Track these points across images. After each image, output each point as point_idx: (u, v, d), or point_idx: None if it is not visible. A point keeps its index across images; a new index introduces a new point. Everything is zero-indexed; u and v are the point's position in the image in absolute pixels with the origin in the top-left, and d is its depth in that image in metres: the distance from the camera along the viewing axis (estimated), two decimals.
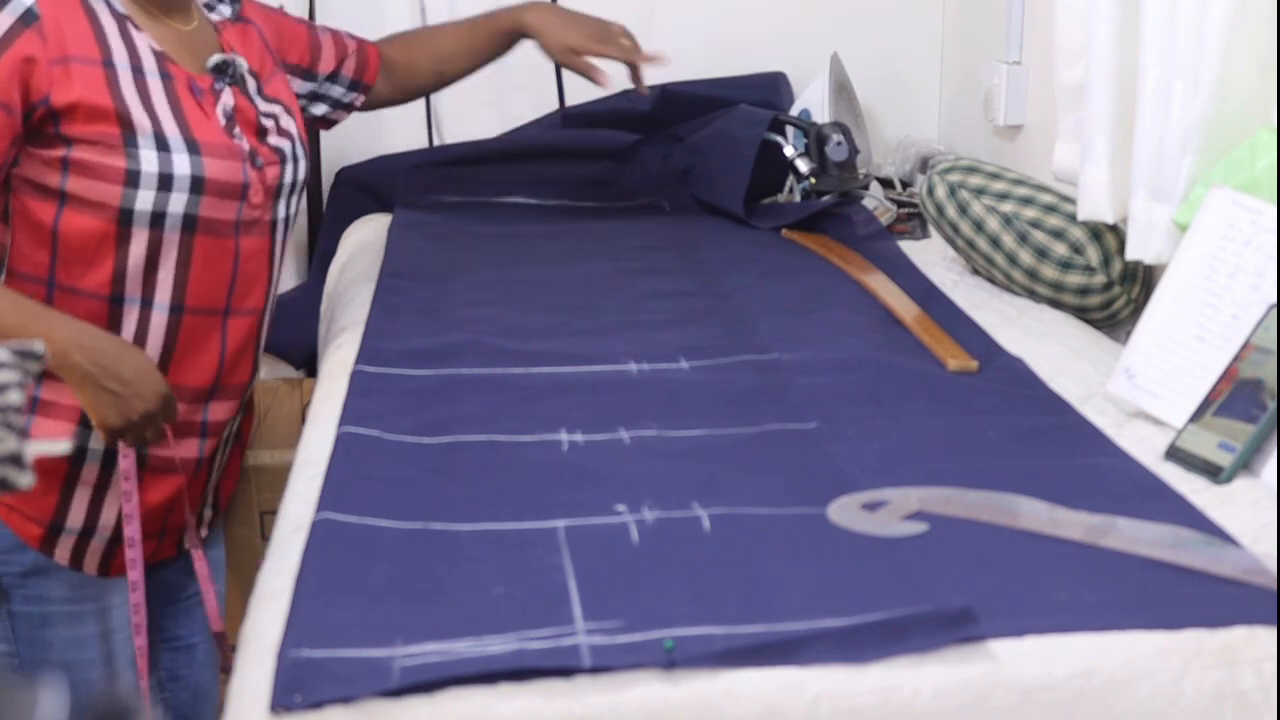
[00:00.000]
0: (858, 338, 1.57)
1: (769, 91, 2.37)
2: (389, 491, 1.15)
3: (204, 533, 1.69)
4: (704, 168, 2.23)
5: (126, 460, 1.49)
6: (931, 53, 2.46)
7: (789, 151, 2.14)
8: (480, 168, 2.27)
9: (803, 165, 2.12)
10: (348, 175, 2.35)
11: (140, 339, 1.51)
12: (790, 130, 2.17)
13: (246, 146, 1.53)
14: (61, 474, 1.53)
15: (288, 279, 2.33)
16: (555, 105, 2.39)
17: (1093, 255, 1.63)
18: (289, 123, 1.62)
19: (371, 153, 2.37)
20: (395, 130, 2.37)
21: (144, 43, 1.48)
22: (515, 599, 0.97)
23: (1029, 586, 1.00)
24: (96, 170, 1.43)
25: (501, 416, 1.32)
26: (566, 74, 2.39)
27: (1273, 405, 1.18)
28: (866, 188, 2.19)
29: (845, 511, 1.11)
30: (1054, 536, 1.07)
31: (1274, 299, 1.23)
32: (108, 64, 1.44)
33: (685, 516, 1.10)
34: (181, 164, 1.46)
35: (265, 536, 2.16)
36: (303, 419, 1.53)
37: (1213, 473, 1.19)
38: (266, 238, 1.58)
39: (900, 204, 2.17)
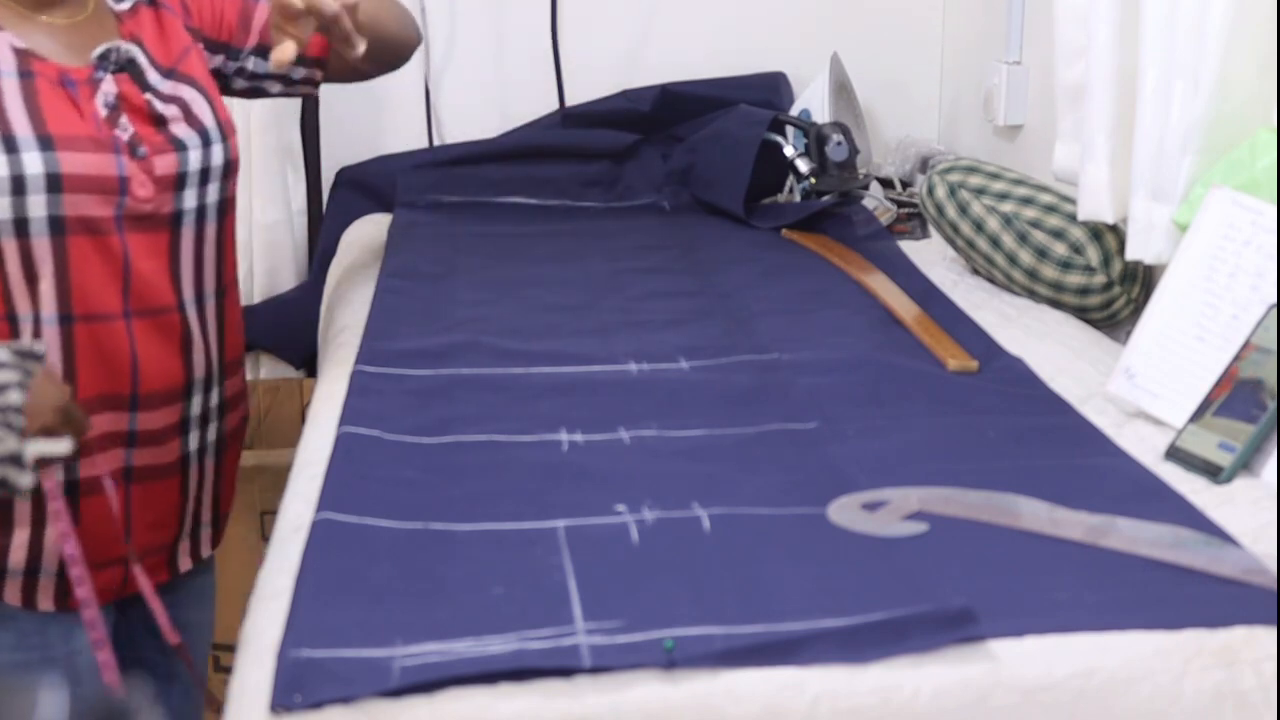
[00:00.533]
0: (858, 338, 1.58)
1: (769, 91, 2.37)
2: (389, 491, 1.15)
3: (205, 551, 1.57)
4: (704, 168, 2.23)
5: (49, 480, 1.33)
6: (931, 53, 2.46)
7: (789, 151, 2.14)
8: (480, 168, 2.27)
9: (803, 165, 2.12)
10: (348, 175, 2.35)
11: None
12: (790, 130, 2.17)
13: (126, 136, 1.40)
14: None
15: (287, 279, 2.33)
16: (555, 105, 2.40)
17: (1093, 255, 1.63)
18: (202, 108, 1.49)
19: (371, 153, 2.37)
20: (395, 130, 2.37)
21: (3, 43, 1.38)
22: (515, 599, 0.97)
23: (1029, 586, 1.00)
24: None
25: (501, 416, 1.32)
26: (566, 74, 2.39)
27: (1273, 405, 1.18)
28: (866, 188, 2.20)
29: (845, 511, 1.11)
30: (1054, 536, 1.07)
31: (1274, 299, 1.23)
32: None
33: (685, 516, 1.10)
34: (34, 163, 1.34)
35: (265, 536, 2.16)
36: (303, 419, 1.52)
37: (1213, 473, 1.19)
38: (165, 231, 1.43)
39: (900, 204, 2.17)
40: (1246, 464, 1.19)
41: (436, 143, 2.39)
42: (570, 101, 2.39)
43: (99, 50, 1.45)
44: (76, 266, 1.37)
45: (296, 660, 0.89)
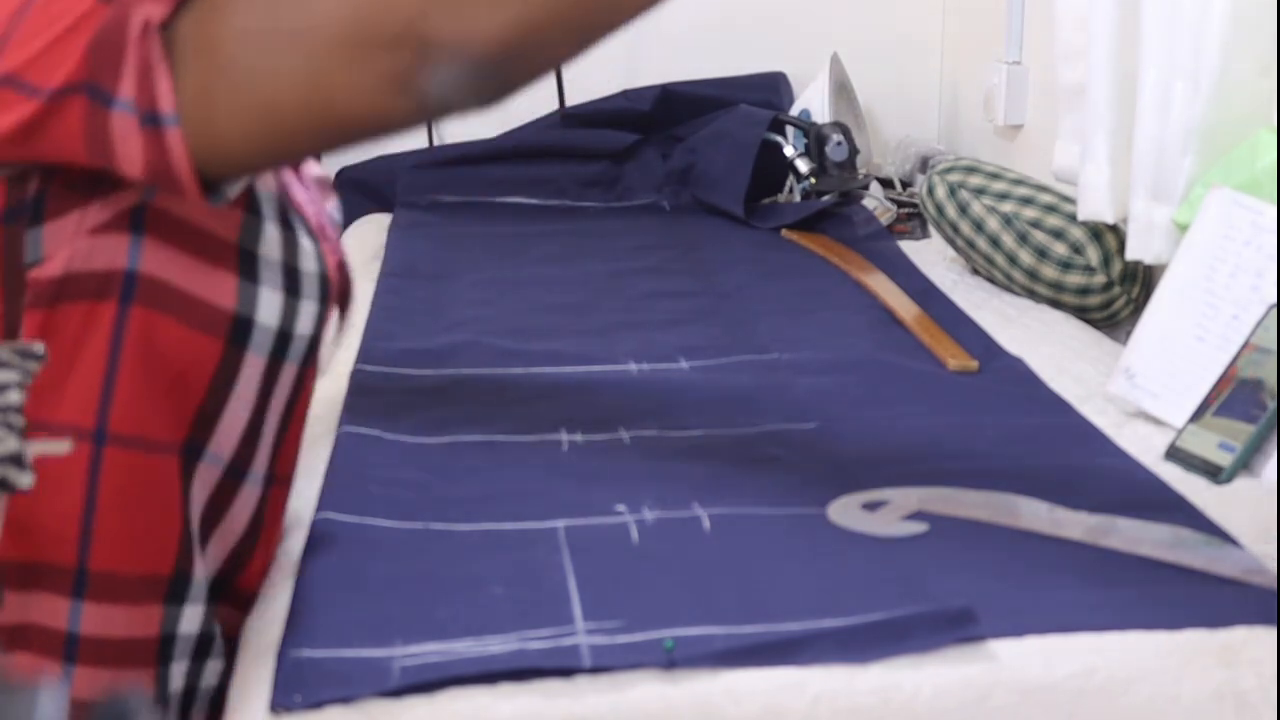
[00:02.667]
0: (858, 338, 1.57)
1: (769, 91, 2.37)
2: (389, 491, 1.15)
3: None
4: (704, 168, 2.23)
5: None
6: (931, 53, 2.46)
7: (789, 151, 2.14)
8: (480, 168, 2.27)
9: (803, 165, 2.12)
10: (348, 175, 2.35)
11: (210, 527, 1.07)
12: (790, 130, 2.17)
13: None
14: None
15: None
16: (555, 105, 2.39)
17: (1093, 255, 1.63)
18: None
19: (371, 153, 2.37)
20: None
21: None
22: (515, 599, 0.97)
23: (1029, 586, 0.99)
24: None
25: (501, 416, 1.32)
26: (566, 74, 2.39)
27: (1273, 405, 1.18)
28: (866, 188, 2.20)
29: (845, 511, 1.11)
30: (1054, 536, 1.07)
31: (1274, 299, 1.23)
32: None
33: (685, 516, 1.10)
34: None
35: None
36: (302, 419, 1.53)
37: (1213, 473, 1.19)
38: None
39: (900, 204, 2.17)
40: (1246, 464, 1.19)
41: (436, 143, 2.39)
42: (570, 101, 2.39)
43: None
44: None
45: (297, 660, 0.89)
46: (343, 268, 1.08)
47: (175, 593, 0.96)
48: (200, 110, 0.84)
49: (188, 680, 0.99)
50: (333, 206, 1.13)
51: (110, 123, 0.84)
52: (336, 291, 1.04)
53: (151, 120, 0.84)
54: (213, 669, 1.00)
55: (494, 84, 0.88)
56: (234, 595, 1.03)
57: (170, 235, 0.91)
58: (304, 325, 0.98)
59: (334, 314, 1.05)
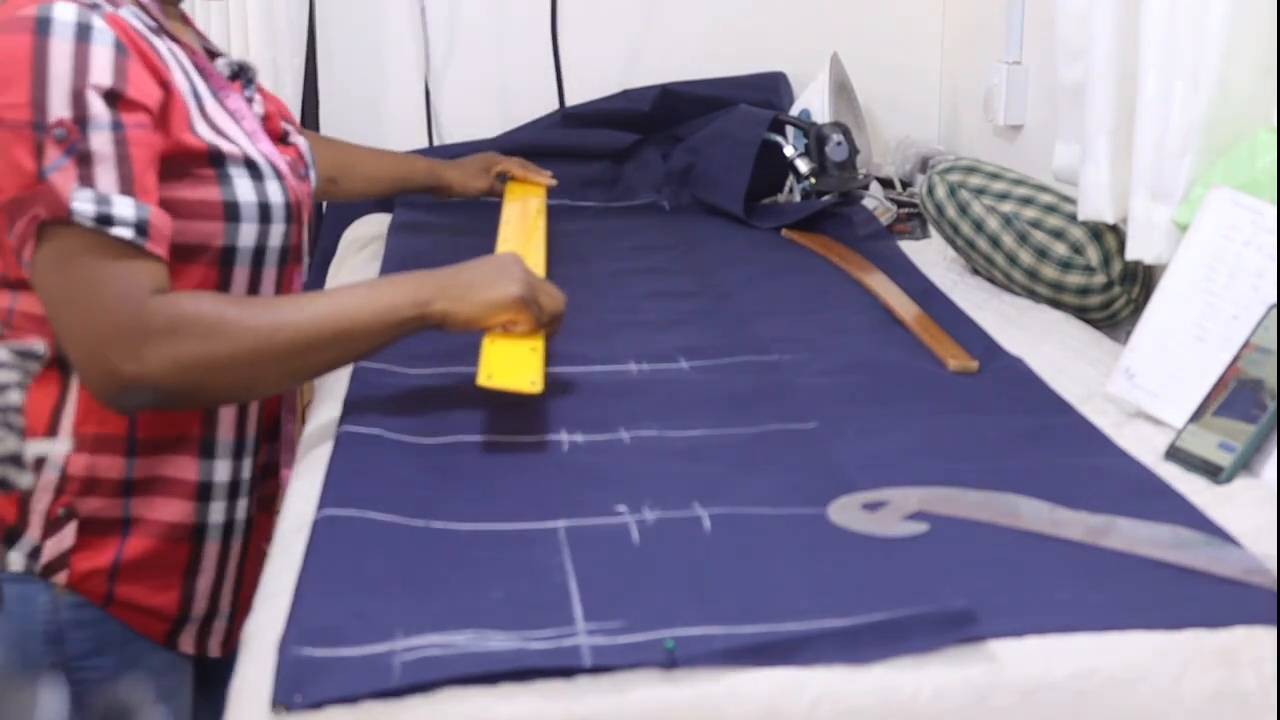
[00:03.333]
0: (858, 338, 1.58)
1: (769, 91, 2.37)
2: (390, 490, 1.15)
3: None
4: (704, 168, 2.23)
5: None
6: (931, 53, 2.46)
7: (789, 151, 2.14)
8: None
9: (803, 165, 2.12)
10: None
11: (245, 412, 1.38)
12: (790, 130, 2.17)
13: (289, 160, 1.40)
14: (183, 563, 1.35)
15: None
16: (555, 105, 2.40)
17: (1093, 255, 1.63)
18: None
19: None
20: (395, 130, 2.37)
21: (183, 56, 1.33)
22: (516, 599, 0.97)
23: (1029, 586, 1.00)
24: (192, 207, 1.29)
25: (501, 417, 1.32)
26: (566, 74, 2.39)
27: (1273, 405, 1.18)
28: (866, 188, 2.20)
29: (846, 511, 1.11)
30: (1054, 536, 1.07)
31: (1274, 299, 1.23)
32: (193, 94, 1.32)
33: (686, 516, 1.10)
34: (276, 192, 1.34)
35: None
36: (303, 419, 1.52)
37: (1213, 473, 1.19)
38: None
39: (900, 204, 2.17)
40: (1246, 464, 1.19)
41: (436, 143, 2.39)
42: (570, 101, 2.39)
43: (230, 62, 1.42)
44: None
45: (297, 659, 0.89)
46: (304, 179, 1.45)
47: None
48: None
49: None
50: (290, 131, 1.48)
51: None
52: (303, 206, 1.41)
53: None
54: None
55: (169, 403, 1.25)
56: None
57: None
58: (276, 241, 1.34)
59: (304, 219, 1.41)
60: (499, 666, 0.88)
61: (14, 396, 1.22)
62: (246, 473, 1.38)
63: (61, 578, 1.30)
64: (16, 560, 1.30)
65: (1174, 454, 1.23)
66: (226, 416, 1.35)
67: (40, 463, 1.30)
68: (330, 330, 1.24)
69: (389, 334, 1.27)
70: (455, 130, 2.41)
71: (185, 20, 1.42)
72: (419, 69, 2.36)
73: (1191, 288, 1.31)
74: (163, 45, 1.29)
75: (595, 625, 0.93)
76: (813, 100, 2.26)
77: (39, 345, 1.28)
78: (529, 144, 2.32)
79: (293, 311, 1.24)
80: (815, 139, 2.11)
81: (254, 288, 1.33)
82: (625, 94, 2.36)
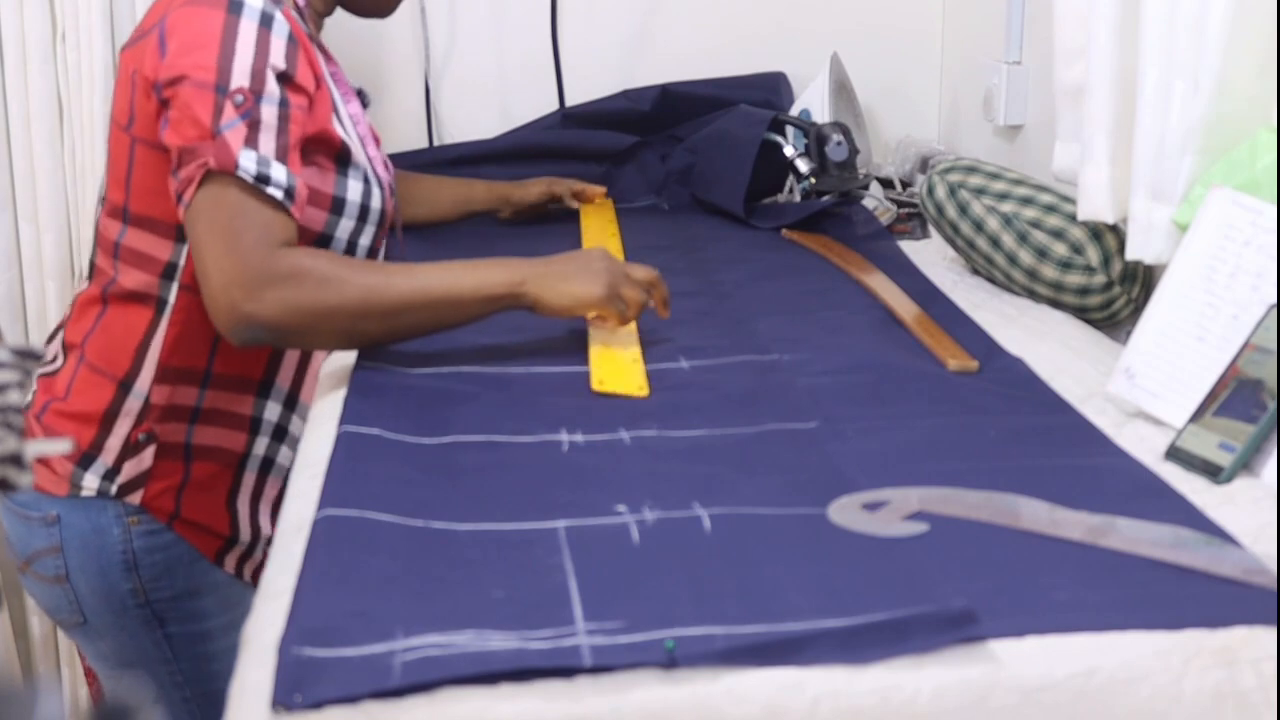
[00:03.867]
0: (858, 338, 1.58)
1: (769, 91, 2.36)
2: (390, 490, 1.15)
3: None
4: (704, 168, 2.23)
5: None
6: (931, 53, 2.46)
7: (789, 151, 2.14)
8: (480, 168, 2.27)
9: (803, 165, 2.12)
10: None
11: (303, 368, 1.62)
12: (790, 130, 2.17)
13: (389, 176, 1.61)
14: (228, 486, 1.58)
15: None
16: (555, 105, 2.39)
17: (1093, 255, 1.63)
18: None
19: None
20: (395, 130, 2.37)
21: (337, 70, 1.56)
22: (516, 599, 0.97)
23: (1029, 586, 1.00)
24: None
25: (501, 416, 1.32)
26: (566, 74, 2.39)
27: (1273, 405, 1.18)
28: (866, 188, 2.19)
29: (846, 511, 1.11)
30: (1054, 536, 1.07)
31: (1274, 299, 1.23)
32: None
33: (686, 516, 1.10)
34: (376, 198, 1.54)
35: None
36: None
37: (1213, 473, 1.19)
38: None
39: (900, 204, 2.17)
40: (1246, 464, 1.19)
41: (436, 143, 2.39)
42: (570, 101, 2.39)
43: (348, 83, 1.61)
44: None
45: (297, 659, 0.89)
46: (393, 198, 1.63)
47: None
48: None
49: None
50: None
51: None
52: (389, 217, 1.61)
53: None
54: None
55: (280, 341, 1.43)
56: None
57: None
58: (365, 239, 1.55)
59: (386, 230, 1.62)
60: (499, 666, 0.88)
61: (14, 396, 1.22)
62: (290, 423, 1.60)
63: (136, 497, 1.52)
64: (90, 482, 1.52)
65: (1174, 454, 1.23)
66: (288, 365, 1.58)
67: (124, 391, 1.50)
68: (429, 296, 1.39)
69: (482, 308, 1.42)
70: (455, 130, 2.40)
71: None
72: (419, 69, 2.36)
73: (1191, 288, 1.31)
74: (312, 45, 1.50)
75: (595, 625, 0.93)
76: (813, 100, 2.26)
77: (38, 346, 1.29)
78: (529, 144, 2.32)
79: (399, 276, 1.39)
80: (815, 139, 2.11)
81: None
82: (625, 94, 2.36)
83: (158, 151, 1.44)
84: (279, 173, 1.37)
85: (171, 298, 1.50)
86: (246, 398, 1.57)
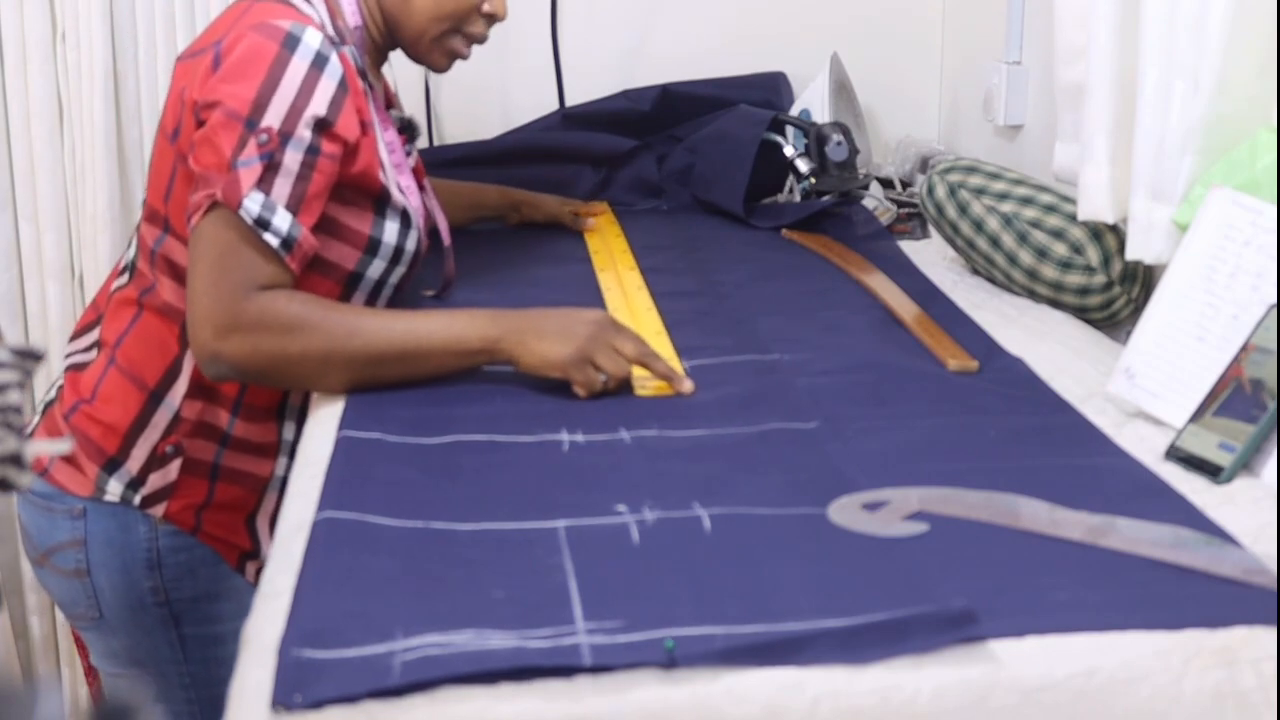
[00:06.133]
0: (858, 338, 1.58)
1: (769, 91, 2.36)
2: (390, 491, 1.15)
3: None
4: (704, 168, 2.23)
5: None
6: (931, 53, 2.46)
7: (789, 151, 2.14)
8: (480, 168, 2.27)
9: (803, 165, 2.12)
10: None
11: None
12: (790, 130, 2.17)
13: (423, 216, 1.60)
14: (251, 507, 1.58)
15: None
16: (555, 105, 2.40)
17: (1093, 255, 1.63)
18: None
19: None
20: None
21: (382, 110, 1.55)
22: (516, 599, 0.97)
23: (1029, 586, 1.00)
24: (343, 232, 1.47)
25: (501, 416, 1.32)
26: (566, 74, 2.39)
27: (1273, 405, 1.18)
28: (866, 188, 2.19)
29: (846, 511, 1.11)
30: (1054, 536, 1.07)
31: (1274, 299, 1.23)
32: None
33: (686, 516, 1.10)
34: (410, 240, 1.53)
35: None
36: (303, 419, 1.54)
37: (1213, 473, 1.19)
38: None
39: (900, 204, 2.17)
40: (1246, 464, 1.19)
41: (436, 143, 2.39)
42: (570, 101, 2.39)
43: (400, 116, 1.62)
44: None
45: (297, 659, 0.89)
46: (429, 235, 1.63)
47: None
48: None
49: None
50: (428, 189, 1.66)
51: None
52: (421, 255, 1.60)
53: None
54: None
55: (246, 380, 1.45)
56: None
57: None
58: (394, 278, 1.55)
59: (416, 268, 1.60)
60: (499, 666, 0.88)
61: (14, 396, 1.22)
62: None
63: (159, 510, 1.52)
64: (114, 489, 1.52)
65: (1174, 454, 1.23)
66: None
67: (154, 402, 1.50)
68: (400, 348, 1.37)
69: (455, 362, 1.40)
70: (455, 130, 2.41)
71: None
72: (419, 69, 2.36)
73: (1191, 288, 1.31)
74: (364, 86, 1.48)
75: (595, 625, 0.93)
76: (813, 100, 2.26)
77: (38, 346, 1.29)
78: (529, 144, 2.32)
79: (371, 324, 1.38)
80: (815, 139, 2.11)
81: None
82: (625, 94, 2.36)
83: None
84: (282, 221, 1.36)
85: None
86: (272, 424, 1.56)
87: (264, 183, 1.35)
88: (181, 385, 1.50)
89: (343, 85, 1.40)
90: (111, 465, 1.52)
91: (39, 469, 1.53)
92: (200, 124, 1.40)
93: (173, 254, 1.48)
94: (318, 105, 1.37)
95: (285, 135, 1.36)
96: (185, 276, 1.42)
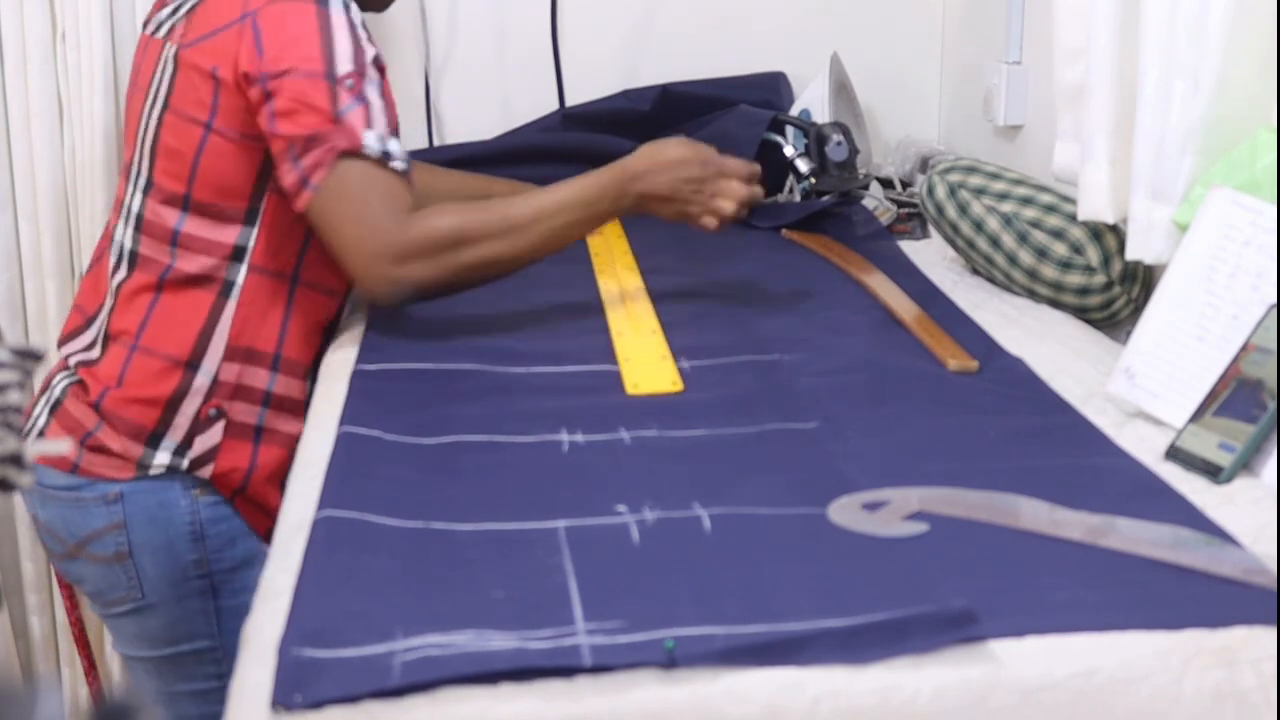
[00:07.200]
0: (858, 338, 1.58)
1: (769, 91, 2.36)
2: (389, 491, 1.15)
3: None
4: None
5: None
6: (931, 53, 2.46)
7: (789, 151, 2.14)
8: (480, 168, 2.27)
9: (803, 165, 2.12)
10: None
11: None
12: (790, 130, 2.17)
13: None
14: (288, 469, 1.60)
15: None
16: (555, 105, 2.39)
17: (1093, 255, 1.63)
18: None
19: None
20: None
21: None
22: (516, 599, 0.97)
23: (1029, 586, 1.00)
24: None
25: (501, 416, 1.32)
26: (566, 74, 2.39)
27: (1273, 405, 1.18)
28: (866, 188, 2.19)
29: (846, 511, 1.11)
30: (1054, 536, 1.07)
31: (1274, 299, 1.23)
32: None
33: (686, 516, 1.10)
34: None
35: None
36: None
37: (1213, 473, 1.19)
38: None
39: (900, 204, 2.17)
40: (1246, 464, 1.19)
41: (436, 143, 2.39)
42: (570, 101, 2.39)
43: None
44: None
45: (297, 659, 0.89)
46: None
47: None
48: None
49: None
50: None
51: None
52: None
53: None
54: None
55: (431, 295, 1.54)
56: None
57: None
58: None
59: None
60: (499, 666, 0.88)
61: (14, 396, 1.22)
62: None
63: (206, 471, 1.56)
64: (161, 459, 1.55)
65: (1174, 454, 1.23)
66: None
67: (191, 370, 1.54)
68: (557, 205, 1.54)
69: (603, 206, 1.57)
70: (455, 130, 2.40)
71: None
72: (419, 68, 2.36)
73: (1191, 288, 1.31)
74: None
75: (595, 625, 0.93)
76: (813, 100, 2.26)
77: (38, 346, 1.29)
78: (529, 144, 2.32)
79: (516, 211, 1.53)
80: (815, 139, 2.11)
81: None
82: (625, 94, 2.36)
83: (240, 142, 1.51)
84: (395, 147, 1.49)
85: (240, 279, 1.55)
86: (304, 383, 1.62)
87: (369, 121, 1.47)
88: (217, 350, 1.55)
89: (364, 25, 1.53)
90: (154, 439, 1.55)
91: (67, 466, 1.55)
92: (267, 95, 1.47)
93: (198, 230, 1.54)
94: (367, 45, 1.51)
95: (360, 75, 1.48)
96: (216, 247, 1.53)
